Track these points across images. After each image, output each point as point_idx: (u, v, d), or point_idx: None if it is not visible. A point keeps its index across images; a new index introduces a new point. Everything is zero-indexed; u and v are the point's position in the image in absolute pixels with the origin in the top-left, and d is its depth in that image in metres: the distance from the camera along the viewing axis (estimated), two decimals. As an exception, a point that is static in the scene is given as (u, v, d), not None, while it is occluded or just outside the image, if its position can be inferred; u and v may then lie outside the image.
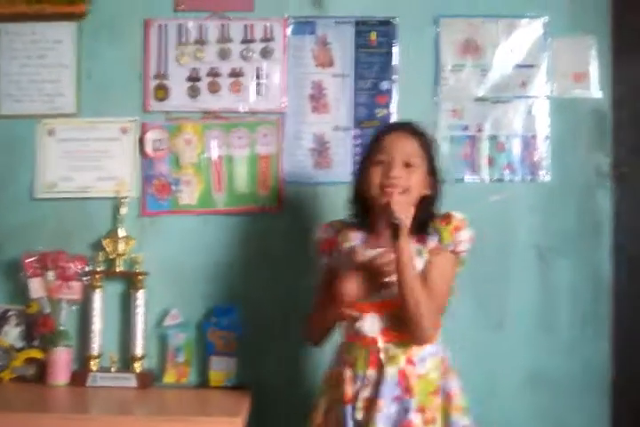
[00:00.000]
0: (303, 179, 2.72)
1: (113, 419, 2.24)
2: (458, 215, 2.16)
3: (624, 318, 2.67)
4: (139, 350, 2.62)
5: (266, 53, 2.75)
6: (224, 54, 2.75)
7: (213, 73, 2.75)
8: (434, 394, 2.07)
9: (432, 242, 2.13)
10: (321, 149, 2.73)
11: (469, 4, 2.76)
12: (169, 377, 2.62)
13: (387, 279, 2.07)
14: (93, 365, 2.62)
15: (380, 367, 2.07)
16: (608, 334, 2.69)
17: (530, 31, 2.74)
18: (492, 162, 2.71)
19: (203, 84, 2.75)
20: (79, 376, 2.60)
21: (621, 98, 2.72)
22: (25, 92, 2.78)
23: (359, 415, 2.06)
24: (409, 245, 2.04)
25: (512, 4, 2.75)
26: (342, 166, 2.72)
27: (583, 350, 2.68)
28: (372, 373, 2.08)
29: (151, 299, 2.66)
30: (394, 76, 2.73)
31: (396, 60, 2.73)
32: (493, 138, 2.72)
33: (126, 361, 2.65)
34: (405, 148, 2.13)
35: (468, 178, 2.70)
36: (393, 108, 2.72)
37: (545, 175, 2.71)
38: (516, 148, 2.72)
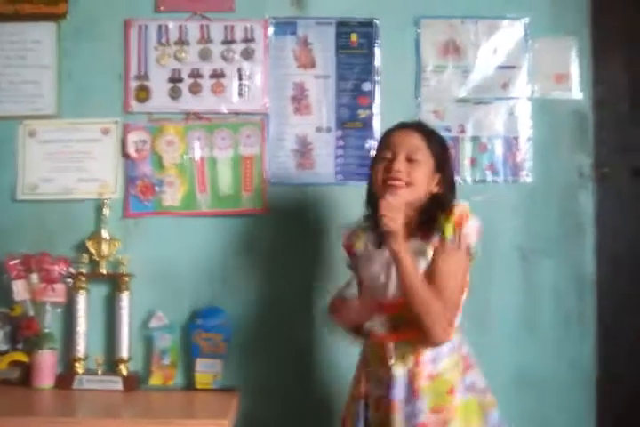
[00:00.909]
0: (287, 180, 2.72)
1: (99, 422, 2.24)
2: (459, 207, 2.10)
3: (608, 318, 2.70)
4: (124, 353, 2.62)
5: (247, 54, 2.74)
6: (205, 55, 2.74)
7: (195, 74, 2.74)
8: (449, 393, 2.05)
9: (435, 238, 2.09)
10: (304, 151, 2.73)
11: (450, 5, 2.76)
12: (155, 380, 2.63)
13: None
14: (79, 367, 2.61)
15: (388, 366, 2.08)
16: (592, 333, 2.72)
17: (511, 32, 2.75)
18: (474, 163, 2.73)
19: (184, 85, 2.74)
20: (64, 379, 2.59)
21: (602, 99, 2.74)
22: (5, 93, 2.77)
23: (372, 414, 2.09)
24: (405, 248, 2.01)
25: (492, 5, 2.76)
26: (325, 167, 2.73)
27: (568, 350, 2.71)
28: (382, 371, 2.09)
29: (136, 301, 2.66)
30: (375, 78, 2.73)
31: (377, 62, 2.74)
32: (475, 139, 2.74)
33: (112, 364, 2.64)
34: (409, 143, 2.12)
35: (451, 179, 2.71)
36: (375, 109, 2.73)
37: (527, 176, 2.73)
38: (498, 148, 2.74)
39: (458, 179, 2.69)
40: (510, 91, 2.75)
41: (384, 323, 2.11)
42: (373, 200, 2.15)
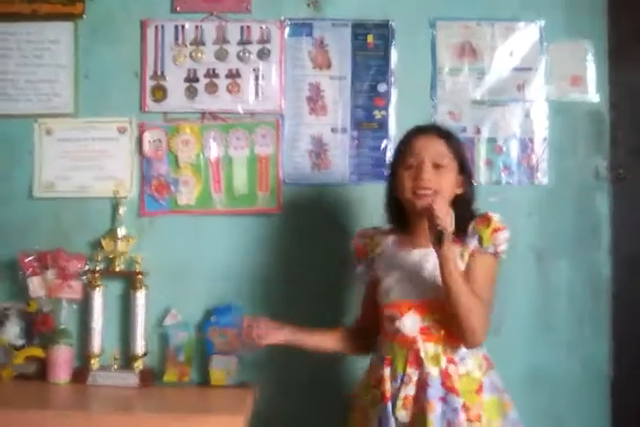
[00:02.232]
0: (302, 180, 2.74)
1: (113, 417, 2.26)
2: (496, 216, 2.16)
3: (622, 318, 2.71)
4: (139, 349, 2.64)
5: (263, 55, 2.75)
6: (221, 55, 2.75)
7: (211, 74, 2.75)
8: (477, 392, 2.09)
9: (472, 244, 2.13)
10: (319, 151, 2.74)
11: (465, 7, 2.76)
12: (170, 376, 2.64)
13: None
14: (94, 363, 2.64)
15: (421, 367, 2.09)
16: (607, 333, 2.72)
17: (526, 35, 2.75)
18: (489, 164, 2.73)
19: (200, 85, 2.75)
20: (80, 374, 2.62)
21: (618, 101, 2.74)
22: (22, 91, 2.78)
23: (400, 415, 2.07)
24: (453, 252, 2.05)
25: (508, 7, 2.76)
26: (340, 168, 2.74)
27: (582, 350, 2.72)
28: (411, 371, 2.10)
29: (151, 298, 2.68)
30: (391, 79, 2.74)
31: (393, 63, 2.74)
32: (491, 140, 2.74)
33: (127, 360, 2.66)
34: (434, 149, 2.14)
35: (466, 180, 2.71)
36: (391, 110, 2.74)
37: (542, 178, 2.73)
38: (513, 150, 2.74)
39: (473, 180, 2.72)
40: (526, 93, 2.74)
41: (416, 323, 2.12)
42: (395, 205, 2.21)
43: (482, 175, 2.73)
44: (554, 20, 2.76)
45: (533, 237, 2.73)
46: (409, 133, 2.23)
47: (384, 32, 2.75)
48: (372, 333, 2.27)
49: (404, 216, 2.23)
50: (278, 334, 2.26)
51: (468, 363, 2.11)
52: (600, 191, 2.75)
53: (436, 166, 2.13)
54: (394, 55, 2.75)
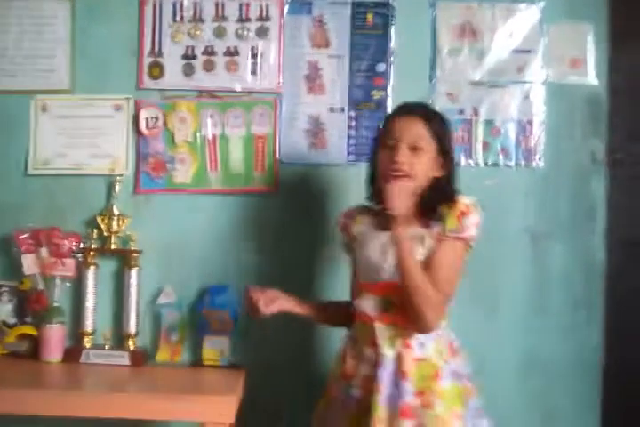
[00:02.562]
0: (298, 160, 2.72)
1: (106, 396, 2.24)
2: (464, 200, 2.14)
3: (616, 303, 2.71)
4: (132, 328, 2.64)
5: (261, 33, 2.73)
6: (219, 33, 2.73)
7: (209, 51, 2.73)
8: (434, 378, 2.07)
9: (436, 228, 2.12)
10: (316, 130, 2.73)
11: (467, -13, 2.74)
12: (162, 355, 2.64)
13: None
14: (87, 342, 2.63)
15: (376, 347, 2.10)
16: (600, 318, 2.72)
17: (527, 16, 2.73)
18: (486, 146, 2.72)
19: (198, 63, 2.73)
20: (72, 353, 2.61)
21: (618, 84, 2.72)
22: (19, 67, 2.76)
23: (356, 392, 2.10)
24: (405, 236, 2.05)
25: (509, -12, 2.75)
26: (337, 148, 2.72)
27: (575, 334, 2.71)
28: (369, 352, 2.11)
29: (145, 277, 2.67)
30: (390, 59, 2.72)
31: (392, 43, 2.72)
32: (489, 122, 2.72)
33: (119, 339, 2.66)
34: (412, 131, 2.13)
35: (463, 162, 2.70)
36: (389, 90, 2.72)
37: (539, 160, 2.72)
38: (511, 133, 2.72)
39: (470, 162, 2.72)
40: (525, 75, 2.73)
41: (375, 304, 2.14)
42: (376, 183, 2.21)
43: (479, 157, 2.72)
44: (554, 2, 2.74)
45: (529, 220, 2.72)
46: (392, 113, 2.24)
47: (384, 11, 2.72)
48: None
49: (381, 197, 2.21)
50: (282, 304, 2.27)
51: (428, 348, 2.11)
52: (596, 175, 2.74)
53: (413, 148, 2.12)
54: (393, 35, 2.72)
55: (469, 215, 2.12)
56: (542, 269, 2.72)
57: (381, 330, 2.11)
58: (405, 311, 2.08)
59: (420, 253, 2.10)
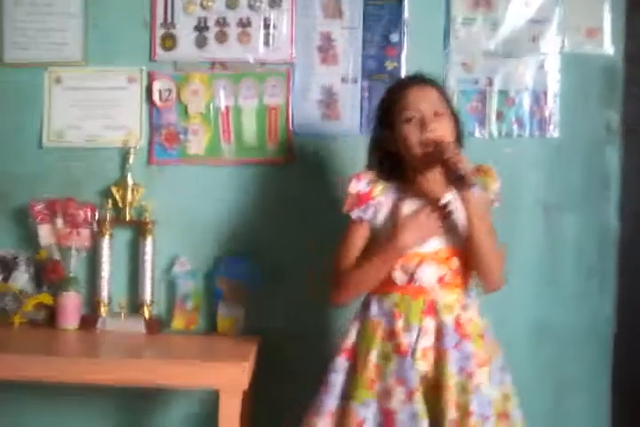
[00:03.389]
0: (311, 130, 2.72)
1: (121, 363, 2.28)
2: (491, 167, 2.21)
3: (629, 273, 2.70)
4: (147, 297, 2.66)
5: (274, 3, 2.71)
6: (232, 4, 2.72)
7: (221, 22, 2.72)
8: (481, 337, 2.12)
9: (476, 192, 2.10)
10: (329, 101, 2.72)
11: (481, -45, 2.71)
12: (177, 323, 2.67)
13: (441, 226, 2.09)
14: (103, 311, 2.66)
15: (436, 316, 2.09)
16: (613, 287, 2.71)
17: (542, -15, 2.71)
18: (500, 116, 2.70)
19: (210, 34, 2.72)
20: (88, 321, 2.64)
21: (634, 54, 2.69)
22: (31, 40, 2.76)
23: (422, 366, 2.06)
24: (476, 197, 2.06)
25: (524, -44, 2.70)
26: (350, 119, 2.71)
27: (587, 304, 2.71)
28: (428, 322, 2.09)
29: (159, 247, 2.69)
30: (404, 29, 2.69)
31: (406, 13, 2.69)
32: (503, 92, 2.70)
33: (135, 307, 2.69)
34: (430, 99, 2.12)
35: (477, 133, 2.69)
36: (402, 60, 2.70)
37: (554, 131, 2.70)
38: (525, 103, 2.70)
39: (484, 133, 2.71)
40: (540, 44, 2.69)
41: (432, 274, 2.11)
42: (396, 158, 2.18)
43: (492, 127, 2.70)
44: (570, -31, 2.71)
45: (542, 190, 2.71)
46: (399, 86, 2.21)
47: (397, -19, 2.71)
48: None
49: (401, 169, 2.20)
50: None
51: (472, 309, 2.14)
52: (611, 145, 2.72)
53: (436, 115, 2.11)
54: (407, 5, 2.69)
55: (498, 182, 2.21)
56: (555, 238, 2.71)
57: (441, 297, 2.10)
58: (462, 275, 2.12)
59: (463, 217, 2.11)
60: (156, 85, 2.73)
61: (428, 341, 2.08)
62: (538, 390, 2.65)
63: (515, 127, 2.70)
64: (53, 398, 2.73)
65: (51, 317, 2.66)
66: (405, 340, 2.08)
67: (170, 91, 2.73)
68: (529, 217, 2.69)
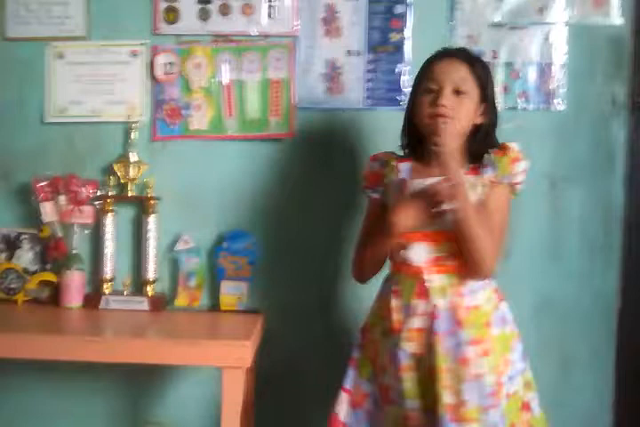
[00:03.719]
0: (315, 104, 2.69)
1: (125, 341, 2.27)
2: (514, 146, 2.14)
3: (634, 248, 2.68)
4: (151, 275, 2.65)
5: (277, -25, 2.69)
6: (235, -25, 2.69)
7: (224, -6, 2.69)
8: (487, 326, 2.07)
9: (488, 174, 2.10)
10: (333, 75, 2.68)
11: None
12: (181, 301, 2.66)
13: (439, 208, 2.01)
14: (106, 288, 2.65)
15: (427, 298, 2.06)
16: (617, 263, 2.69)
17: (548, -46, 2.66)
18: (506, 89, 2.66)
19: (213, 7, 2.69)
20: (92, 299, 2.63)
21: (642, 25, 2.65)
22: (33, 14, 2.73)
23: (407, 346, 2.06)
24: (459, 173, 2.01)
25: None
26: (355, 92, 2.68)
27: (592, 279, 2.69)
28: (418, 303, 2.07)
29: (163, 224, 2.68)
30: (408, 0, 2.65)
31: (410, -17, 2.66)
32: (509, 65, 2.66)
33: (138, 285, 2.68)
34: (455, 74, 2.07)
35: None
36: (407, 32, 2.66)
37: (559, 104, 2.66)
38: (531, 75, 2.66)
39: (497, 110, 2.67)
40: (546, 16, 2.65)
41: (426, 254, 2.09)
42: (416, 131, 2.15)
43: (498, 100, 2.65)
44: (577, -61, 2.66)
45: (547, 164, 2.67)
46: (431, 57, 2.16)
47: (402, -49, 2.66)
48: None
49: (419, 143, 2.18)
50: None
51: (479, 296, 2.09)
52: (617, 119, 2.68)
53: (457, 92, 2.07)
54: (411, -25, 2.67)
55: (521, 161, 2.13)
56: (560, 213, 2.69)
57: (433, 280, 2.07)
58: (459, 259, 2.07)
59: (472, 199, 2.06)
60: (159, 59, 2.70)
61: (417, 322, 2.06)
62: (542, 365, 2.60)
63: (520, 100, 2.67)
64: (56, 377, 2.73)
65: (54, 295, 2.65)
66: (397, 319, 2.08)
67: (172, 65, 2.70)
68: (534, 191, 2.64)
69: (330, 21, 2.68)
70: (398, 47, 2.66)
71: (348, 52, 2.68)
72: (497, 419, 2.02)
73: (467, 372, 2.01)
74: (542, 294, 2.68)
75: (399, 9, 2.66)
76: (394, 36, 2.67)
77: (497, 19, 2.67)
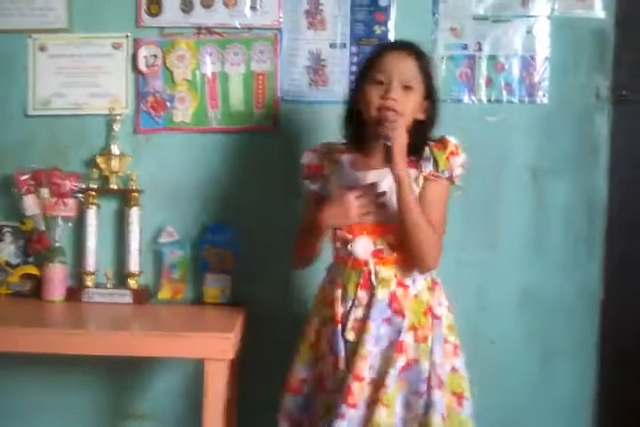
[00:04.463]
0: (299, 97, 2.69)
1: (109, 334, 2.26)
2: (453, 140, 2.13)
3: (617, 241, 2.69)
4: (134, 267, 2.64)
5: (260, -33, 2.68)
6: (218, -33, 2.68)
7: (207, -13, 2.68)
8: (425, 314, 2.09)
9: (427, 168, 2.11)
10: (317, 67, 2.68)
11: None
12: (164, 293, 2.66)
13: (379, 201, 2.07)
14: (89, 281, 2.64)
15: (371, 289, 2.09)
16: (600, 255, 2.71)
17: (531, -54, 2.66)
18: (490, 82, 2.67)
19: (196, -1, 2.69)
20: (75, 292, 2.62)
21: (625, 18, 2.65)
22: (15, 5, 2.71)
23: (350, 336, 2.08)
24: (407, 173, 2.03)
25: None
26: (338, 85, 2.68)
27: (575, 271, 2.70)
28: (362, 294, 2.09)
29: (146, 216, 2.67)
30: (392, -7, 2.67)
31: (394, -23, 2.66)
32: (492, 58, 2.66)
33: (122, 278, 2.67)
34: (405, 69, 2.08)
35: (466, 99, 2.66)
36: (391, 25, 2.66)
37: (543, 97, 2.67)
38: (515, 68, 2.66)
39: (473, 99, 2.68)
40: (530, 8, 2.66)
41: (369, 246, 2.11)
42: (360, 120, 2.16)
43: (482, 93, 2.67)
44: None
45: (531, 156, 2.68)
46: (381, 48, 2.18)
47: (386, -57, 2.66)
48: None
49: (361, 134, 2.19)
50: None
51: (418, 285, 2.12)
52: (600, 112, 2.69)
53: (405, 88, 2.08)
54: (395, -32, 2.67)
55: (458, 155, 2.12)
56: (543, 205, 2.69)
57: (376, 271, 2.09)
58: (401, 251, 2.08)
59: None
60: (142, 52, 2.69)
61: (359, 312, 2.09)
62: (524, 357, 2.66)
63: (504, 93, 2.67)
64: (39, 370, 2.72)
65: (37, 288, 2.64)
66: (339, 310, 2.11)
67: (156, 57, 2.69)
68: (517, 183, 2.68)
69: (314, 14, 2.67)
70: (382, 40, 2.65)
71: (332, 45, 2.68)
72: (423, 406, 2.05)
73: (399, 358, 2.04)
74: (526, 286, 2.69)
75: (383, 2, 2.66)
76: (378, 29, 2.67)
77: (480, 12, 2.67)
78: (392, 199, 2.07)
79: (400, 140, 2.02)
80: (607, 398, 2.70)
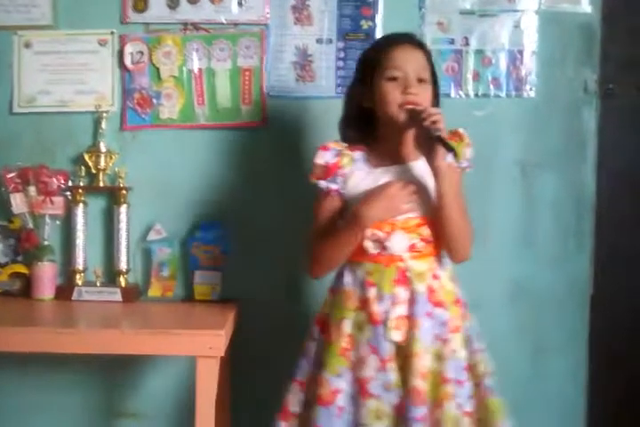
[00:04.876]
0: (286, 92, 2.68)
1: (99, 332, 2.24)
2: (465, 132, 2.17)
3: (606, 234, 2.71)
4: (123, 265, 2.63)
5: (246, -38, 2.66)
6: (204, -37, 2.66)
7: (192, -18, 2.67)
8: (455, 304, 2.12)
9: (448, 160, 2.08)
10: (304, 63, 2.67)
11: None
12: (154, 291, 2.65)
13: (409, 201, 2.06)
14: (78, 279, 2.63)
15: (408, 285, 2.07)
16: (589, 249, 2.72)
17: (520, -61, 2.66)
18: (477, 77, 2.67)
19: (182, -6, 2.67)
20: (64, 291, 2.61)
21: (612, 12, 2.66)
22: (-1, 2, 2.70)
23: (396, 336, 2.05)
24: (444, 158, 2.03)
25: None
26: (326, 80, 2.67)
27: (565, 265, 2.71)
28: (400, 291, 2.06)
29: (135, 214, 2.66)
30: (379, -12, 2.66)
31: (381, -29, 2.65)
32: (479, 52, 2.66)
33: (111, 276, 2.66)
34: (417, 62, 2.09)
35: (453, 93, 2.66)
36: (378, 20, 2.65)
37: (531, 91, 2.67)
38: (502, 62, 2.66)
39: (460, 93, 2.68)
40: (517, 3, 2.65)
41: (402, 242, 2.09)
42: (370, 118, 2.15)
43: (469, 88, 2.67)
44: None
45: (519, 151, 2.69)
46: (388, 43, 2.15)
47: (372, -63, 2.65)
48: None
49: (374, 131, 2.18)
50: None
51: (445, 277, 2.13)
52: (588, 106, 2.70)
53: (419, 80, 2.08)
54: (382, -37, 2.66)
55: (470, 147, 2.17)
56: (532, 199, 2.70)
57: (412, 266, 2.08)
58: (433, 243, 2.10)
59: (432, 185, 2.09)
60: (128, 48, 2.68)
61: (401, 310, 2.06)
62: (515, 352, 2.67)
63: (491, 87, 2.67)
64: (29, 369, 2.71)
65: (26, 287, 2.62)
66: (378, 309, 2.06)
67: (142, 54, 2.68)
68: (506, 178, 2.68)
69: (300, 9, 2.66)
70: (369, 35, 2.65)
71: (319, 40, 2.67)
72: (468, 393, 2.07)
73: (446, 350, 2.05)
74: (516, 280, 2.70)
75: (370, -4, 2.66)
76: (364, 24, 2.66)
77: (467, 6, 2.66)
78: (420, 193, 2.08)
79: (443, 131, 2.01)
80: (599, 392, 2.72)
